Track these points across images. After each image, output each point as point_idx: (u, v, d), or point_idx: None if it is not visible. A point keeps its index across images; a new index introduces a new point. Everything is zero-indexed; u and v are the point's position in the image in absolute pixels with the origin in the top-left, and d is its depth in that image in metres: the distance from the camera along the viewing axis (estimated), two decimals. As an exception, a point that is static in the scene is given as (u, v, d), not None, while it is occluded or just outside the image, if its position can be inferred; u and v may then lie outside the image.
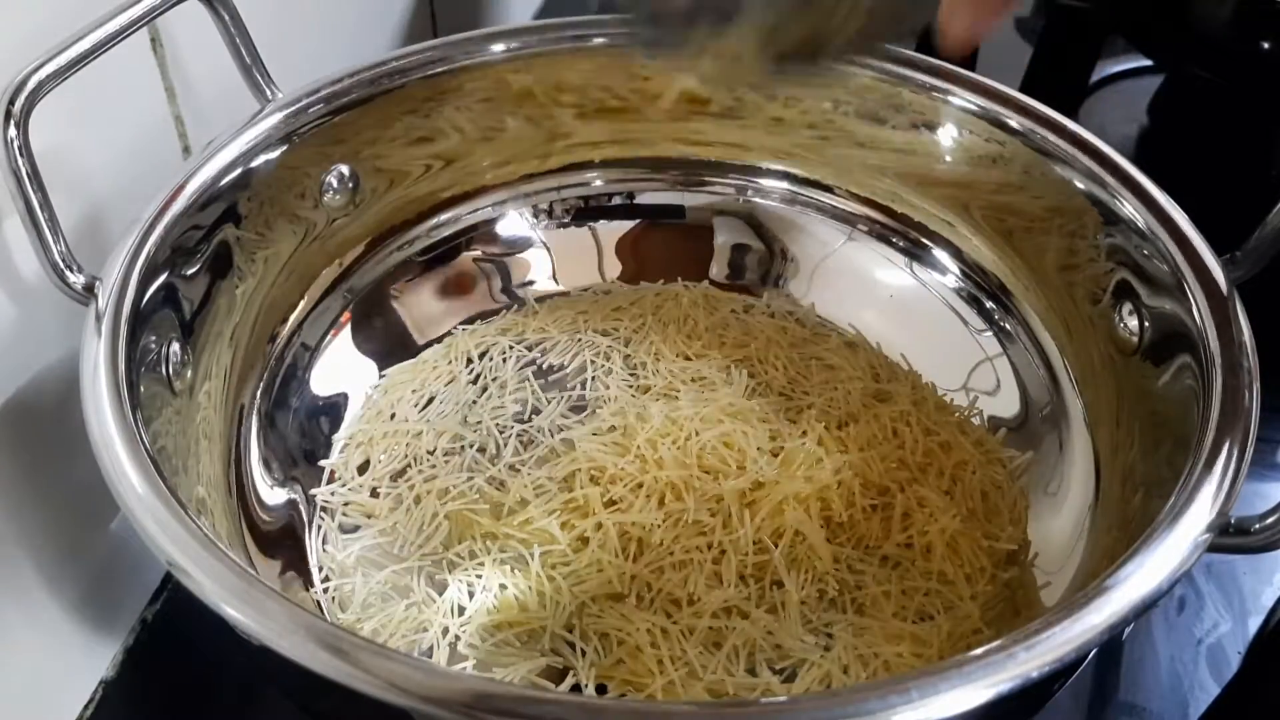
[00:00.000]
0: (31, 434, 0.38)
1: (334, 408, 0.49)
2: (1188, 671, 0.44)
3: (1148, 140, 0.70)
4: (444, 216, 0.54)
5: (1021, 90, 0.48)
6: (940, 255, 0.53)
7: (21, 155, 0.34)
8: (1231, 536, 0.31)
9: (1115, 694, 0.43)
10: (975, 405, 0.50)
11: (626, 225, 0.57)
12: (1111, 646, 0.44)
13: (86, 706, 0.42)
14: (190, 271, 0.41)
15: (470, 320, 0.54)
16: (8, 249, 0.36)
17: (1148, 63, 0.74)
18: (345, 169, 0.48)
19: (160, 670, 0.43)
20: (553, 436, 0.48)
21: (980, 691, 0.26)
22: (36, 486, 0.38)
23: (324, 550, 0.44)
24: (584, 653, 0.40)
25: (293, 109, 0.45)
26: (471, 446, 0.48)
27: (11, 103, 0.33)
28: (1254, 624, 0.45)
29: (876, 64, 0.50)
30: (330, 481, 0.46)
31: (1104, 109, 0.72)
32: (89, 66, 0.36)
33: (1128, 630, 0.34)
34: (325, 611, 0.42)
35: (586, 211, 0.57)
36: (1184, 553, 0.30)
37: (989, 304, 0.51)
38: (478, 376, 0.51)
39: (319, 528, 0.45)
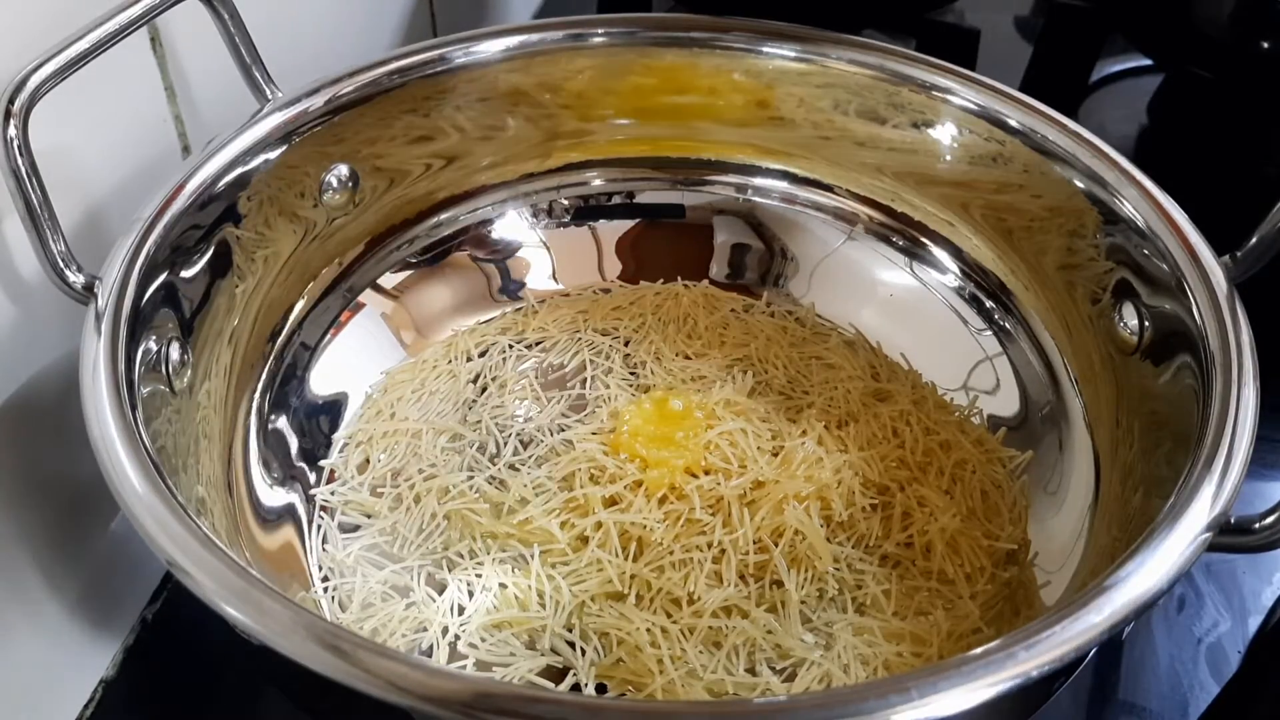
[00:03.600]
0: (31, 434, 0.38)
1: (334, 407, 0.49)
2: (1188, 671, 0.44)
3: (1148, 140, 0.70)
4: (444, 216, 0.54)
5: (1021, 90, 0.48)
6: (940, 255, 0.53)
7: (21, 154, 0.34)
8: (1231, 536, 0.31)
9: (1115, 694, 0.43)
10: (975, 404, 0.50)
11: (626, 225, 0.57)
12: (1111, 646, 0.44)
13: (86, 706, 0.42)
14: (190, 271, 0.41)
15: (470, 320, 0.54)
16: (8, 249, 0.36)
17: (1148, 62, 0.74)
18: (345, 169, 0.48)
19: (160, 670, 0.43)
20: (553, 436, 0.48)
21: (980, 691, 0.26)
22: (37, 486, 0.38)
23: (324, 550, 0.44)
24: (584, 652, 0.40)
25: (293, 109, 0.45)
26: (471, 446, 0.48)
27: (11, 102, 0.33)
28: (1254, 623, 0.45)
29: (876, 63, 0.50)
30: (330, 481, 0.46)
31: (1104, 108, 0.72)
32: (89, 66, 0.36)
33: (1128, 630, 0.34)
34: (325, 611, 0.42)
35: (586, 211, 0.57)
36: (1184, 552, 0.30)
37: (989, 304, 0.51)
38: (478, 376, 0.51)
39: (319, 527, 0.45)
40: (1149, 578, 0.29)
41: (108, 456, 0.31)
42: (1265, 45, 0.59)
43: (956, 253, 0.52)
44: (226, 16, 0.43)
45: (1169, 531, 0.30)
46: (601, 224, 0.57)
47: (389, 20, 0.62)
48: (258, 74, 0.45)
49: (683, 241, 0.57)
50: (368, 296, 0.52)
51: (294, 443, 0.47)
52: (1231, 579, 0.47)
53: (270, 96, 0.45)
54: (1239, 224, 0.40)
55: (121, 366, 0.34)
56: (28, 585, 0.38)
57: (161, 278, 0.38)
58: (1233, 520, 0.31)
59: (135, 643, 0.44)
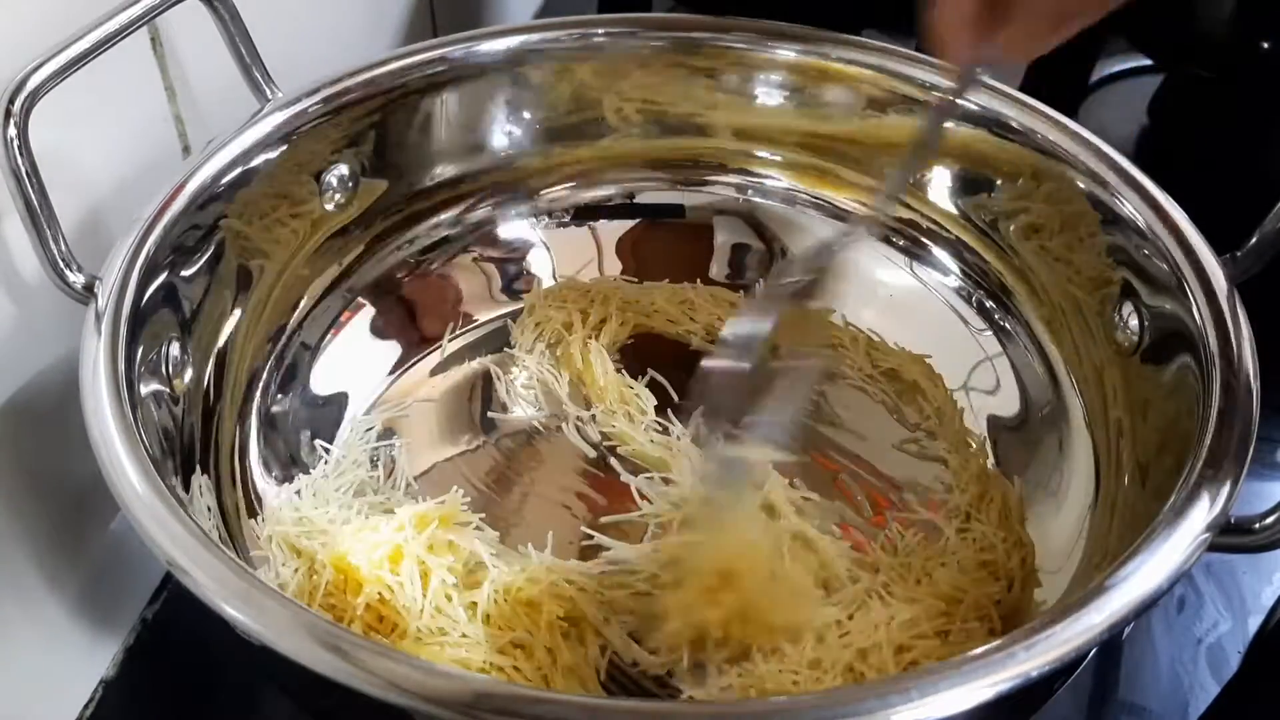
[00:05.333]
0: (31, 433, 0.38)
1: (334, 408, 0.49)
2: (1188, 671, 0.44)
3: (1148, 140, 0.70)
4: (444, 216, 0.54)
5: (1021, 90, 0.48)
6: (940, 255, 0.53)
7: (21, 155, 0.34)
8: (1232, 536, 0.31)
9: (1115, 694, 0.43)
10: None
11: (626, 225, 0.57)
12: (1111, 646, 0.44)
13: (86, 706, 0.42)
14: (190, 271, 0.41)
15: (471, 319, 0.54)
16: (8, 249, 0.36)
17: (1148, 63, 0.74)
18: (345, 168, 0.48)
19: (160, 670, 0.43)
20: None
21: (980, 691, 0.26)
22: (37, 486, 0.38)
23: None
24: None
25: (293, 109, 0.45)
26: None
27: (11, 102, 0.33)
28: (1254, 623, 0.45)
29: (876, 63, 0.50)
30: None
31: (1104, 109, 0.72)
32: (89, 66, 0.36)
33: (1128, 630, 0.34)
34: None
35: (586, 211, 0.57)
36: (1184, 552, 0.30)
37: (989, 304, 0.51)
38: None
39: (319, 527, 0.45)
40: (1149, 578, 0.29)
41: (108, 456, 0.31)
42: (1266, 45, 0.59)
43: (957, 253, 0.52)
44: (227, 16, 0.43)
45: (1169, 531, 0.30)
46: (601, 224, 0.57)
47: (389, 20, 0.62)
48: (258, 74, 0.45)
49: (683, 241, 0.57)
50: (368, 296, 0.52)
51: (294, 443, 0.46)
52: (1231, 579, 0.47)
53: (270, 96, 0.45)
54: (1239, 224, 0.40)
55: (121, 366, 0.34)
56: (28, 585, 0.38)
57: (161, 278, 0.38)
58: (1233, 520, 0.31)
59: (135, 643, 0.44)
